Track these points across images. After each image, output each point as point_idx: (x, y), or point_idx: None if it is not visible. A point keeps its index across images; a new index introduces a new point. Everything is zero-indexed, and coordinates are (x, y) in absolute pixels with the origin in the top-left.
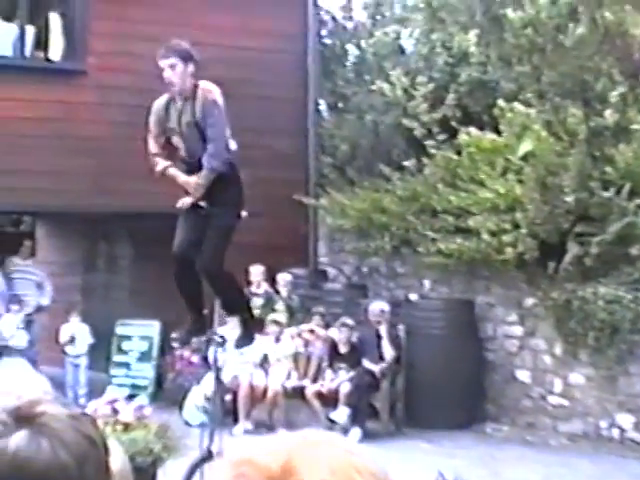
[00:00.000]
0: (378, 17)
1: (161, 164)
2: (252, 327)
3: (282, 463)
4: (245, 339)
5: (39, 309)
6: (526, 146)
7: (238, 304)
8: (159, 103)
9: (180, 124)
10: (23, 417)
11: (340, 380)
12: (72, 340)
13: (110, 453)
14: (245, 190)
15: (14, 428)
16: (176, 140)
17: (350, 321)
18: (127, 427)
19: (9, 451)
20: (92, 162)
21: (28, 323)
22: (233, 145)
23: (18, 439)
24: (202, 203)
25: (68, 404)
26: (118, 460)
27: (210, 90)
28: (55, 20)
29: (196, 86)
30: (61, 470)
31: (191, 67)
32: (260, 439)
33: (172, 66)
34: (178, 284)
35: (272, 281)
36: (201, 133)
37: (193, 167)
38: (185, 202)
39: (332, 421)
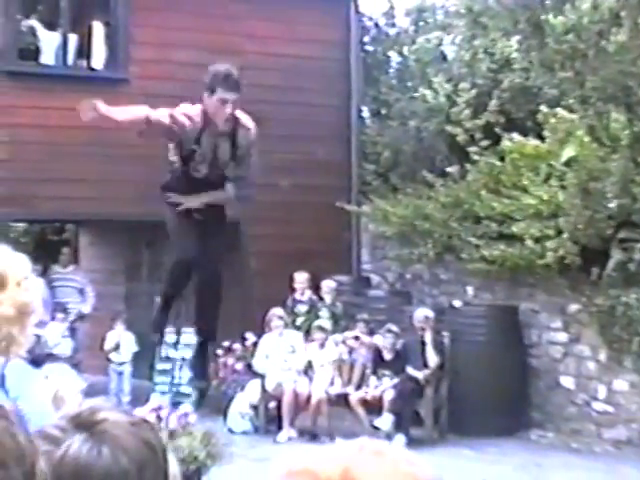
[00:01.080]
0: (420, 23)
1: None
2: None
3: (341, 472)
4: (199, 361)
5: (81, 317)
6: (569, 152)
7: (214, 324)
8: (193, 131)
9: (216, 157)
10: (84, 424)
11: (384, 387)
12: (117, 348)
13: (169, 459)
14: (287, 197)
15: (75, 434)
16: (199, 165)
17: (395, 328)
18: (171, 435)
19: (70, 457)
20: (135, 170)
21: (72, 331)
22: None
23: (79, 445)
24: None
25: (128, 411)
26: (174, 466)
27: (250, 128)
28: (98, 28)
29: (235, 119)
30: (121, 476)
31: None
32: (317, 448)
33: (234, 102)
34: (177, 288)
35: (316, 288)
36: (233, 164)
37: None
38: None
39: (376, 428)
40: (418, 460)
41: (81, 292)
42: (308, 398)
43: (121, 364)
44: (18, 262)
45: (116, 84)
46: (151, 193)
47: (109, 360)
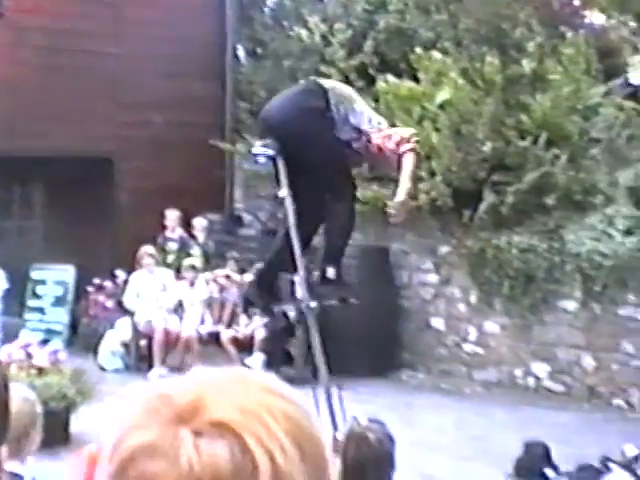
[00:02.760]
0: None
1: None
2: None
3: (193, 399)
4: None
5: None
6: (444, 94)
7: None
8: None
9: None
10: None
11: (255, 326)
12: None
13: (10, 393)
14: (161, 134)
15: None
16: None
17: None
18: (41, 372)
19: None
20: (7, 104)
21: None
22: None
23: None
24: None
25: None
26: (20, 401)
27: None
28: None
29: None
30: None
31: None
32: (179, 375)
33: None
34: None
35: (187, 226)
36: None
37: None
38: None
39: (247, 367)
40: (287, 392)
41: None
42: (179, 336)
43: None
44: None
45: None
46: (22, 128)
47: None
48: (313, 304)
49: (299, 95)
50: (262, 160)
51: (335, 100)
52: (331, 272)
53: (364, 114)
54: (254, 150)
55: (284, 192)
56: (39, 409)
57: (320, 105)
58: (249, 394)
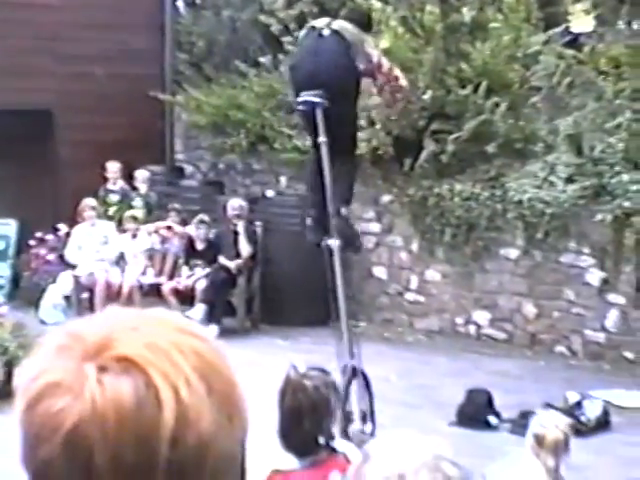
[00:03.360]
0: None
1: None
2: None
3: (103, 336)
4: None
5: None
6: (383, 43)
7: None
8: None
9: None
10: None
11: (196, 277)
12: None
13: None
14: (101, 86)
15: None
16: None
17: (207, 218)
18: None
19: None
20: None
21: None
22: None
23: None
24: None
25: None
26: None
27: None
28: None
29: None
30: None
31: None
32: (96, 315)
33: None
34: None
35: (129, 178)
36: None
37: None
38: None
39: (188, 318)
40: (202, 333)
41: None
42: (120, 288)
43: None
44: None
45: None
46: None
47: None
48: (337, 242)
49: (336, 53)
50: (302, 107)
51: (355, 54)
52: (344, 211)
53: (374, 58)
54: (303, 97)
55: (323, 139)
56: None
57: (354, 65)
58: (160, 332)
